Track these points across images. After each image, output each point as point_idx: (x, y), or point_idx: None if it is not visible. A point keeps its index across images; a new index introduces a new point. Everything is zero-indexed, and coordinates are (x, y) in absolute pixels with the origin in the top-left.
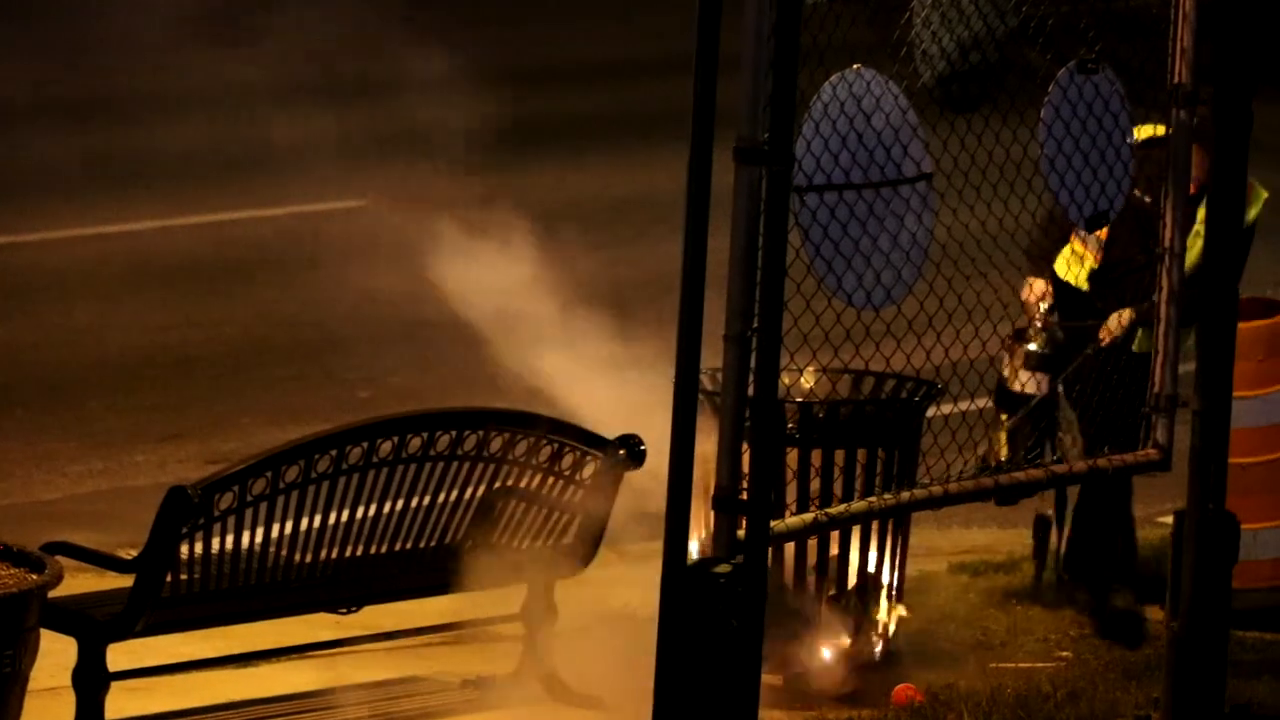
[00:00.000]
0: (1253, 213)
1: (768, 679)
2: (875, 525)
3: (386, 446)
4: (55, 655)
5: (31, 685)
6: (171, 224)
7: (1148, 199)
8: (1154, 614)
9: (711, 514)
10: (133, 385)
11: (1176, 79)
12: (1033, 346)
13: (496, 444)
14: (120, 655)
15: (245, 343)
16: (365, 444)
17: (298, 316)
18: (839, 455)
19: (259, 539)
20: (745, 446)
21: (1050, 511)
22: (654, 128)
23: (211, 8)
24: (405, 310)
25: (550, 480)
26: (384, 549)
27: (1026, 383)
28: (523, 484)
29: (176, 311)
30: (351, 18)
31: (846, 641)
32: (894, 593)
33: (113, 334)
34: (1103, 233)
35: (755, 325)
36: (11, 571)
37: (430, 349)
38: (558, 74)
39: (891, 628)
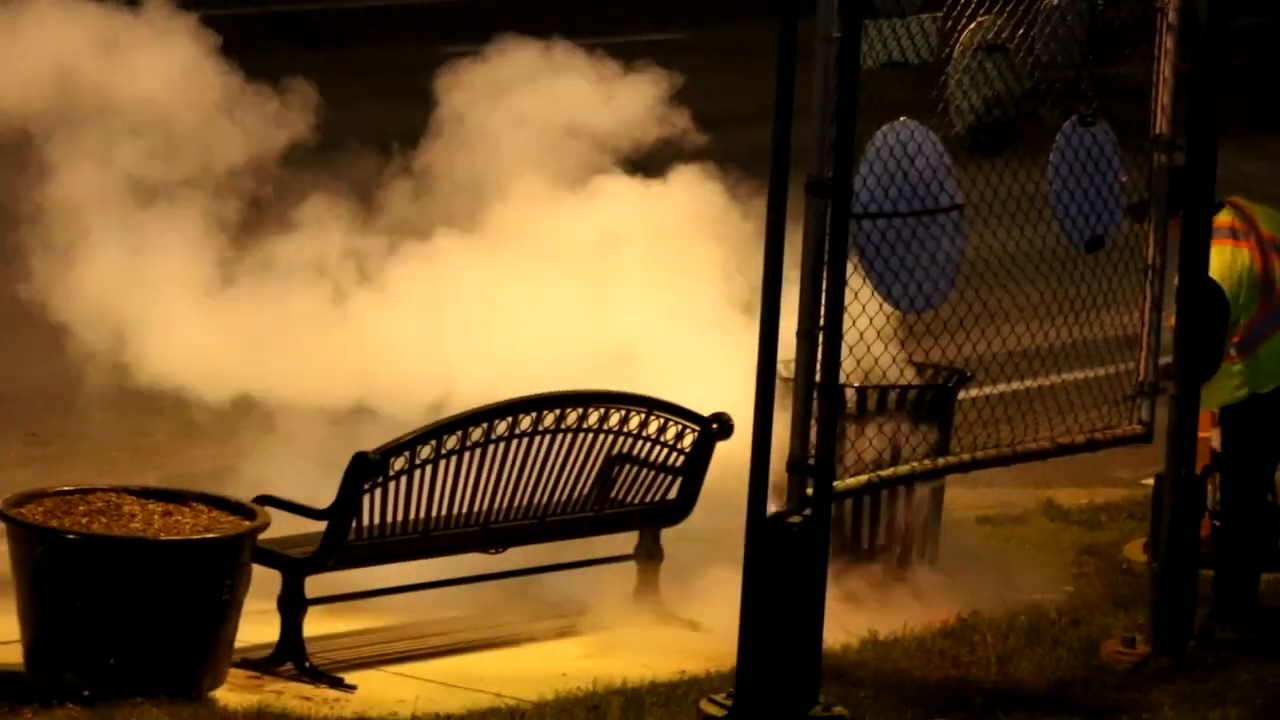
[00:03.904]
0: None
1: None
2: (917, 485)
3: (526, 420)
4: (264, 585)
5: (245, 609)
6: None
7: None
8: None
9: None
10: None
11: (1158, 130)
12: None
13: (614, 419)
14: (315, 585)
15: None
16: (510, 418)
17: None
18: (888, 429)
19: (425, 493)
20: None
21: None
22: (739, 167)
23: None
24: None
25: (657, 448)
26: (525, 501)
27: (1213, 438)
28: (635, 451)
29: None
30: None
31: (895, 577)
32: (931, 539)
33: None
34: None
35: (821, 324)
36: (229, 518)
37: None
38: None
39: (930, 566)
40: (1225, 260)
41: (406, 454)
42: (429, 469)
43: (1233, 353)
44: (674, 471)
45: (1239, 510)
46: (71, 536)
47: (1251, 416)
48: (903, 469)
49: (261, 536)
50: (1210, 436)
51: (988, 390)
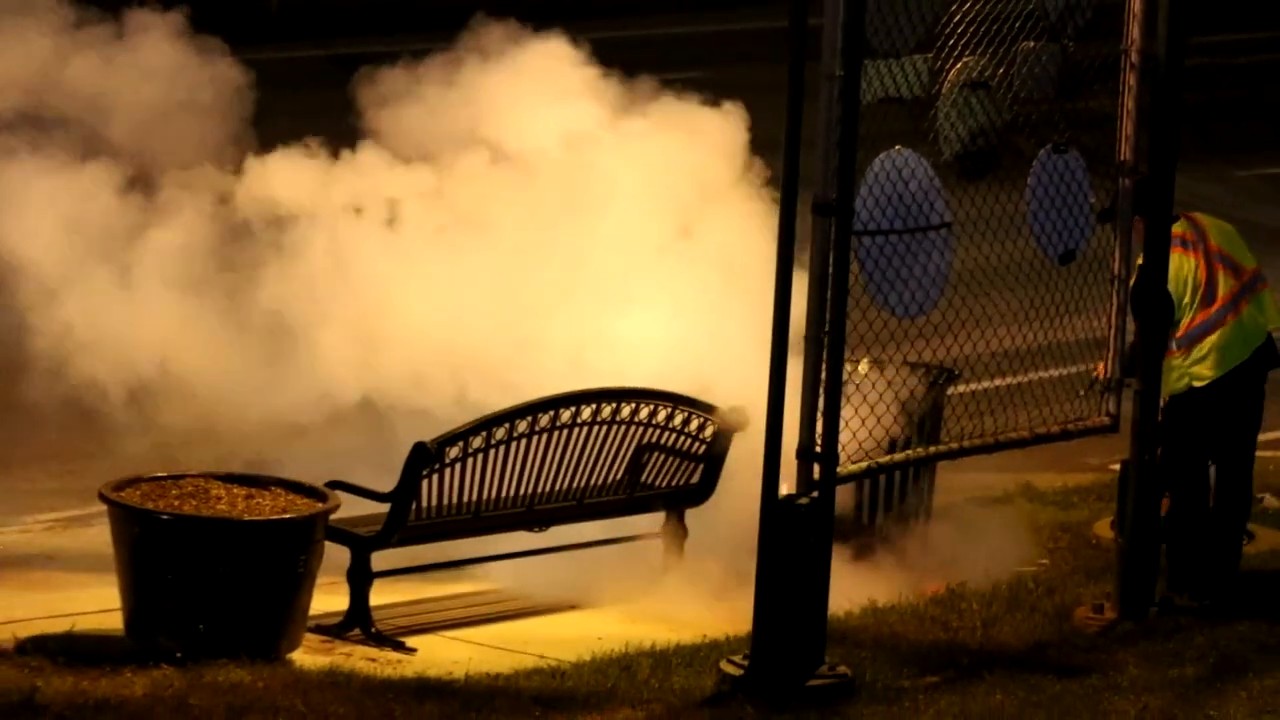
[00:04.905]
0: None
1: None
2: (911, 471)
3: (566, 414)
4: (333, 560)
5: (318, 581)
6: None
7: None
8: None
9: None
10: None
11: (1122, 156)
12: None
13: (643, 411)
14: (380, 560)
15: None
16: (551, 412)
17: None
18: (886, 421)
19: (476, 478)
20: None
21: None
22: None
23: None
24: None
25: (681, 438)
26: (565, 486)
27: None
28: (662, 441)
29: None
30: None
31: (892, 552)
32: (923, 518)
33: None
34: None
35: (827, 328)
36: (304, 501)
37: None
38: None
39: (923, 542)
40: (1174, 266)
41: (460, 444)
42: (480, 457)
43: (1173, 347)
44: (697, 459)
45: (1174, 488)
46: (165, 517)
47: (1190, 406)
48: (899, 456)
49: (332, 517)
50: None
51: (973, 386)
